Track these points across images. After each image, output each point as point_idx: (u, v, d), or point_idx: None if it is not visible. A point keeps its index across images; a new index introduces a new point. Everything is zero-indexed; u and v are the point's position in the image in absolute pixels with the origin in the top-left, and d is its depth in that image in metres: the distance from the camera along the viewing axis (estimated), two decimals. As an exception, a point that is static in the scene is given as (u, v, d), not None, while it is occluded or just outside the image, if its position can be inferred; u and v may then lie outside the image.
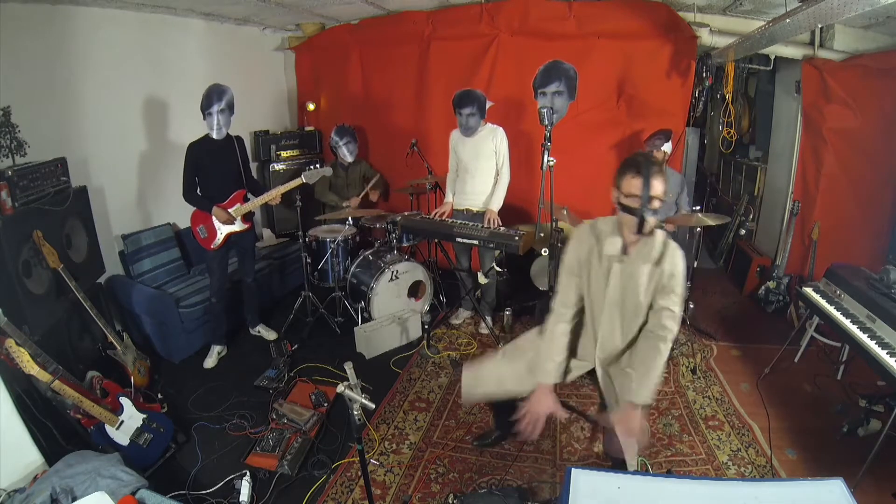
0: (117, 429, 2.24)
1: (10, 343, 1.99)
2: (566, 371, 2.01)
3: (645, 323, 1.86)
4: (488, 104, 3.33)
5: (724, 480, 2.08)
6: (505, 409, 2.16)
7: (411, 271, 3.63)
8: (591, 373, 2.05)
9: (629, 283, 1.80)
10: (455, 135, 3.43)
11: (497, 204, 3.34)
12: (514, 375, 2.03)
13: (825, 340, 3.30)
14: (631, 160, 1.74)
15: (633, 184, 1.68)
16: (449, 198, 3.59)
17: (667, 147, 3.49)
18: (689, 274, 3.29)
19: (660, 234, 1.80)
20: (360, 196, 4.11)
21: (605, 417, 1.93)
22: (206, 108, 2.92)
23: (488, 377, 2.10)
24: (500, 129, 3.33)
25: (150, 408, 2.48)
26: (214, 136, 2.99)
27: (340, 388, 1.56)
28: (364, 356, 3.32)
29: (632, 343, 1.91)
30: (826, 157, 3.58)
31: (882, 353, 2.12)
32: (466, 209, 3.48)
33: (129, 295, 3.23)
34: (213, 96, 2.91)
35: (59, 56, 2.98)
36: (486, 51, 4.07)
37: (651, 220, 1.69)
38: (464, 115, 3.25)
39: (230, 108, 2.99)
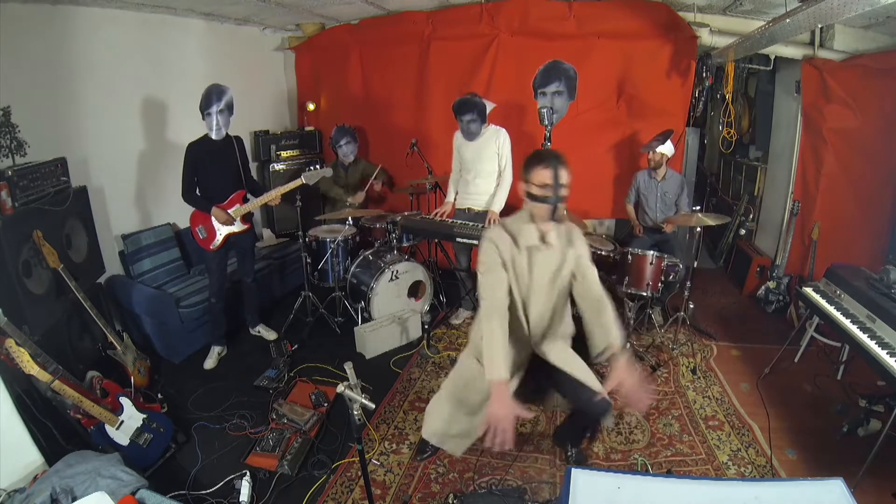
0: (117, 429, 2.24)
1: (10, 343, 1.99)
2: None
3: (566, 299, 2.03)
4: (490, 107, 3.34)
5: (724, 480, 2.08)
6: None
7: (411, 271, 3.63)
8: (539, 390, 2.18)
9: (552, 267, 1.93)
10: (458, 136, 3.44)
11: (499, 205, 3.35)
12: (469, 408, 2.11)
13: (825, 340, 3.30)
14: (536, 154, 1.88)
15: (543, 174, 1.80)
16: (450, 198, 3.60)
17: (665, 149, 3.49)
18: (689, 274, 3.29)
19: (565, 220, 1.95)
20: (364, 191, 4.11)
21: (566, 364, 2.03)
22: (205, 108, 2.92)
23: (449, 425, 2.16)
24: (504, 131, 3.34)
25: (150, 408, 2.48)
26: (213, 136, 2.98)
27: (340, 388, 1.56)
28: (364, 356, 3.32)
29: (557, 317, 2.05)
30: (826, 157, 3.58)
31: (882, 353, 2.12)
32: (468, 208, 3.50)
33: (129, 295, 3.22)
34: (213, 96, 2.91)
35: (59, 56, 2.98)
36: (486, 51, 4.07)
37: (561, 209, 1.82)
38: (465, 122, 3.28)
39: (229, 108, 2.98)
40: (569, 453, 2.37)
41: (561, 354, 2.06)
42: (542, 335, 2.07)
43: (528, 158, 1.87)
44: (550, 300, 1.99)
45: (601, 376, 2.05)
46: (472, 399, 2.09)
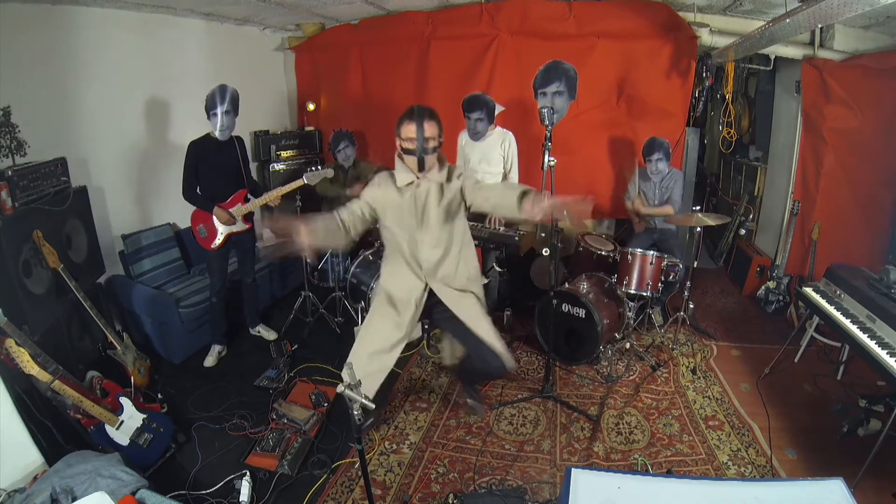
0: (117, 429, 2.24)
1: (10, 343, 1.99)
2: (409, 301, 2.28)
3: (457, 236, 2.25)
4: (499, 109, 3.33)
5: (724, 480, 2.08)
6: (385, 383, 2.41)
7: (411, 271, 3.63)
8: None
9: (427, 201, 2.15)
10: (464, 136, 3.44)
11: None
12: (388, 324, 2.29)
13: (825, 340, 3.30)
14: (407, 110, 2.07)
15: (409, 129, 2.03)
16: None
17: (666, 162, 3.51)
18: (689, 274, 3.29)
19: (445, 165, 2.17)
20: (362, 185, 4.08)
21: (461, 311, 2.26)
22: (210, 108, 2.92)
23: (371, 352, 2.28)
24: (510, 133, 3.34)
25: (150, 408, 2.48)
26: (219, 136, 2.98)
27: (340, 388, 1.56)
28: (364, 356, 3.31)
29: (446, 253, 2.23)
30: (826, 157, 3.58)
31: (882, 353, 2.12)
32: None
33: (129, 295, 3.22)
34: (218, 97, 2.90)
35: (59, 56, 2.98)
36: (486, 51, 4.07)
37: (429, 159, 2.05)
38: (472, 120, 3.25)
39: (235, 108, 2.98)
40: (467, 389, 2.69)
41: (458, 302, 2.26)
42: (433, 272, 2.24)
43: (401, 116, 2.07)
44: (439, 237, 2.19)
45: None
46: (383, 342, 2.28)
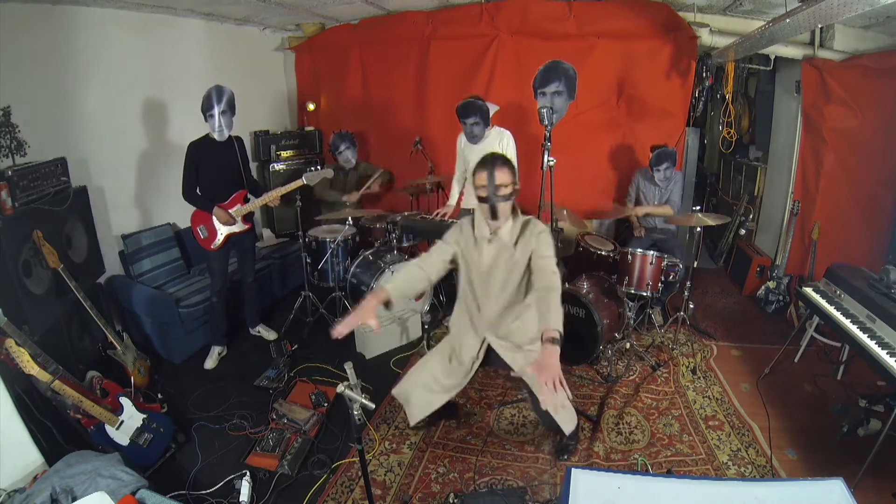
0: (117, 429, 2.24)
1: (10, 343, 1.99)
2: (463, 357, 2.26)
3: (522, 294, 2.15)
4: (494, 109, 3.33)
5: (724, 480, 2.08)
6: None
7: (411, 271, 3.63)
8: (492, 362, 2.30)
9: (501, 260, 2.09)
10: (462, 139, 3.46)
11: None
12: (441, 370, 2.28)
13: (825, 340, 3.30)
14: (480, 159, 2.05)
15: (480, 176, 1.99)
16: (453, 200, 3.62)
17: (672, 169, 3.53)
18: (689, 274, 3.29)
19: (519, 219, 2.10)
20: (361, 192, 4.09)
21: (525, 372, 2.14)
22: (206, 109, 2.92)
23: (418, 385, 2.29)
24: (508, 132, 3.35)
25: (150, 408, 2.48)
26: (217, 137, 2.98)
27: (340, 388, 1.56)
28: (364, 356, 3.32)
29: (508, 310, 2.16)
30: (826, 157, 3.58)
31: (882, 353, 2.12)
32: (472, 209, 3.50)
33: (129, 295, 3.22)
34: (214, 98, 2.90)
35: (59, 56, 2.98)
36: (486, 51, 4.07)
37: (502, 207, 1.98)
38: (468, 125, 3.28)
39: (231, 108, 2.98)
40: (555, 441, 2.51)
41: (518, 361, 2.17)
42: (492, 327, 2.20)
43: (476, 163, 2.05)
44: (502, 293, 2.13)
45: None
46: (451, 378, 2.27)
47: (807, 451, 2.42)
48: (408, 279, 2.11)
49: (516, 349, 2.20)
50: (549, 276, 1.98)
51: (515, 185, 2.03)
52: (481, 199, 2.00)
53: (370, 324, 1.89)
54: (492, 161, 1.99)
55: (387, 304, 2.04)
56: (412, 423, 2.34)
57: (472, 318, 2.25)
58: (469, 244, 2.13)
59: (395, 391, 2.37)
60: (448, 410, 2.58)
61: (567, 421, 2.24)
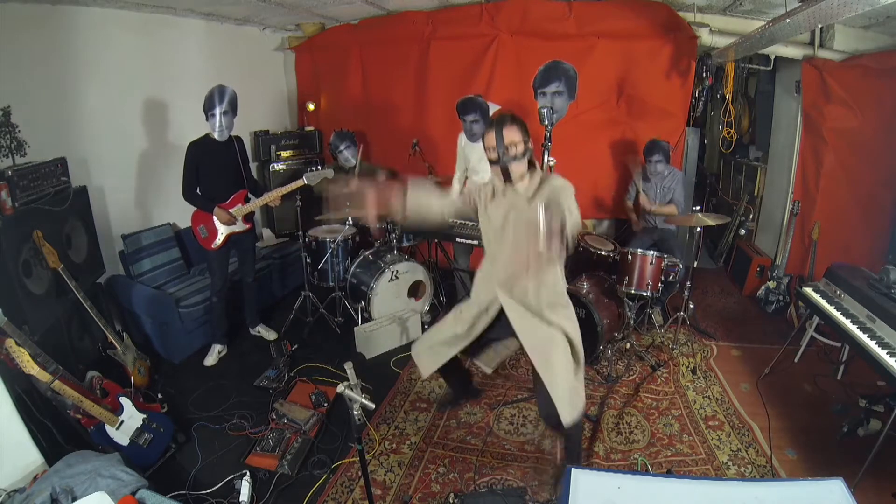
0: (117, 429, 2.24)
1: (10, 343, 1.99)
2: (472, 309, 2.14)
3: (542, 256, 1.92)
4: (494, 108, 3.34)
5: (724, 480, 2.08)
6: (453, 372, 2.39)
7: (411, 271, 3.63)
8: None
9: (509, 215, 1.97)
10: (463, 138, 3.46)
11: None
12: (451, 322, 2.17)
13: (825, 340, 3.30)
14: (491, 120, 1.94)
15: (489, 137, 1.90)
16: None
17: (665, 162, 3.54)
18: (688, 274, 3.29)
19: (538, 174, 1.97)
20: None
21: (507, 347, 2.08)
22: (208, 109, 2.92)
23: (430, 340, 2.23)
24: None
25: (150, 408, 2.48)
26: (217, 137, 2.98)
27: (340, 388, 1.56)
28: (364, 356, 3.32)
29: (524, 270, 1.97)
30: (826, 157, 3.58)
31: (882, 353, 2.12)
32: None
33: (129, 295, 3.22)
34: (216, 97, 2.91)
35: (59, 56, 2.98)
36: (486, 51, 4.07)
37: (514, 167, 1.88)
38: (468, 122, 3.28)
39: (233, 109, 2.98)
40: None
41: (526, 328, 2.00)
42: (505, 284, 2.03)
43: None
44: (515, 253, 1.97)
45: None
46: (459, 327, 2.15)
47: (807, 451, 2.42)
48: (425, 191, 2.03)
49: (529, 314, 2.00)
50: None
51: (527, 142, 1.92)
52: (492, 162, 1.92)
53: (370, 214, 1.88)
54: (500, 120, 1.89)
55: (383, 216, 1.96)
56: (425, 376, 2.29)
57: (488, 273, 2.12)
58: (488, 197, 2.04)
59: (412, 351, 2.29)
60: (465, 386, 2.57)
61: (566, 408, 1.93)
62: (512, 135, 1.87)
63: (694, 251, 3.25)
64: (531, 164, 1.97)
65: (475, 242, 3.20)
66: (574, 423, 1.94)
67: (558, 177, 1.98)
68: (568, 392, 1.91)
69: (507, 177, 1.90)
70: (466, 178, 3.59)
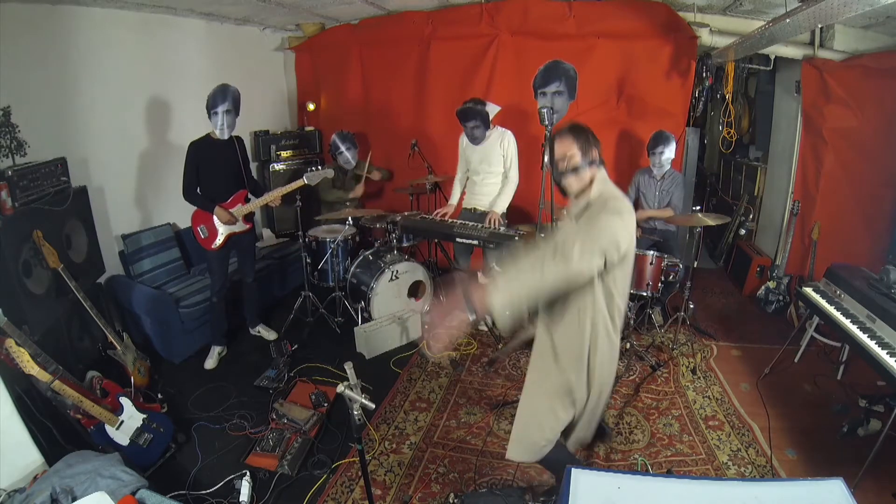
0: (117, 429, 2.24)
1: (10, 343, 1.99)
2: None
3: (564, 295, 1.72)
4: (495, 110, 3.36)
5: (724, 480, 2.08)
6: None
7: (411, 271, 3.63)
8: None
9: (560, 236, 1.75)
10: (465, 140, 3.49)
11: (502, 206, 3.37)
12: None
13: (825, 340, 3.30)
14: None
15: (548, 156, 1.83)
16: (454, 200, 3.63)
17: (671, 152, 3.51)
18: (689, 274, 3.29)
19: (594, 192, 1.72)
20: (362, 183, 4.09)
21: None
22: (211, 107, 2.92)
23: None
24: (509, 132, 3.38)
25: (150, 408, 2.48)
26: (219, 136, 2.98)
27: (340, 388, 1.56)
28: (364, 356, 3.32)
29: (546, 303, 1.77)
30: (826, 157, 3.58)
31: (882, 353, 2.12)
32: (474, 208, 3.55)
33: (129, 295, 3.22)
34: (219, 96, 2.91)
35: (59, 56, 2.98)
36: (486, 51, 4.07)
37: (569, 182, 1.72)
38: (468, 128, 3.32)
39: (236, 108, 2.98)
40: None
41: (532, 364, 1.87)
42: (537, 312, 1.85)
43: None
44: None
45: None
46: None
47: (807, 451, 2.42)
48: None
49: (534, 361, 1.87)
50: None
51: (585, 153, 1.71)
52: (553, 179, 1.78)
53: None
54: (558, 132, 1.71)
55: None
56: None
57: None
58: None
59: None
60: None
61: (512, 443, 1.78)
62: (563, 147, 1.70)
63: (694, 251, 3.25)
64: (592, 181, 1.74)
65: (475, 242, 3.20)
66: (519, 461, 1.75)
67: (611, 198, 1.68)
68: (524, 425, 1.78)
69: (563, 192, 1.76)
70: (468, 178, 3.61)
